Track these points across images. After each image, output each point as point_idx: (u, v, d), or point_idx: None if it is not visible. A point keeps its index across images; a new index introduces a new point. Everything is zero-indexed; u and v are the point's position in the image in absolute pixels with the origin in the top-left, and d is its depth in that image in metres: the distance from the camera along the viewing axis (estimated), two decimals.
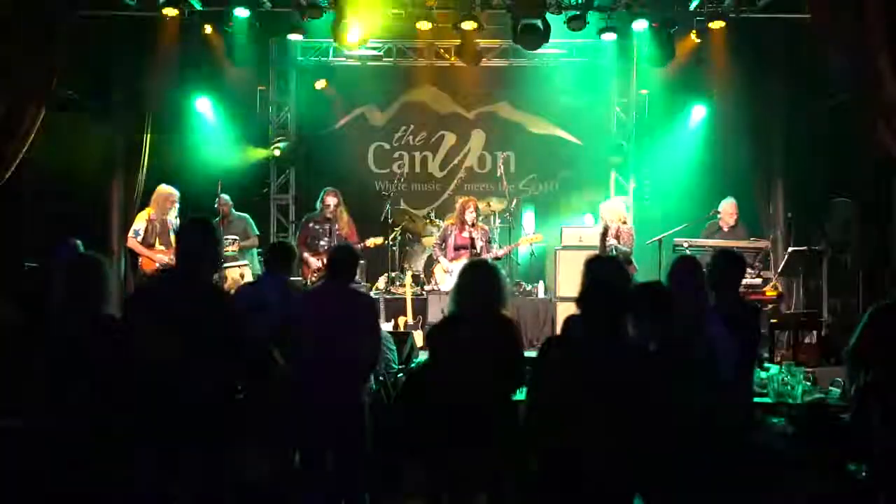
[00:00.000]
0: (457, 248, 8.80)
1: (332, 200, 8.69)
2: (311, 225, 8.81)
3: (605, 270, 4.29)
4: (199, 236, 4.15)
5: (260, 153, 10.63)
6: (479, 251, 8.59)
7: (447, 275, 8.75)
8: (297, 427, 4.70)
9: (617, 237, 8.42)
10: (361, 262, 8.69)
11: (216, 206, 8.82)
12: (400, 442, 4.92)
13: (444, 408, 4.23)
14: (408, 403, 4.79)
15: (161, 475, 3.94)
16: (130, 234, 8.41)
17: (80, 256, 4.68)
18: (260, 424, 5.12)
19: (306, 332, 4.66)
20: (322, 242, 8.73)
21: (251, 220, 9.25)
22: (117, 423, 3.99)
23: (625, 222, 8.59)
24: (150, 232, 8.31)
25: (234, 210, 9.08)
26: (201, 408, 3.91)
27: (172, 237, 8.17)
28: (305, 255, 8.66)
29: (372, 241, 8.85)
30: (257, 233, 9.29)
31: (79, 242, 5.29)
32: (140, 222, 8.37)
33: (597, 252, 8.11)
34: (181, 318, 3.91)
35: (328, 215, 8.67)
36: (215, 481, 3.98)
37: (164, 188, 8.45)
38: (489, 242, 8.85)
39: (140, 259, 8.33)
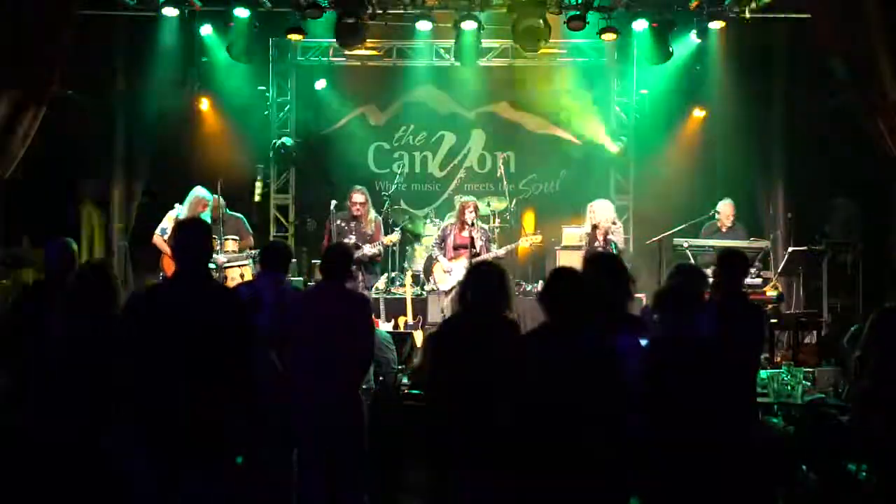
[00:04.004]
0: (456, 248, 8.78)
1: (359, 198, 8.65)
2: (338, 222, 8.76)
3: (600, 268, 4.28)
4: (194, 232, 4.13)
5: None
6: (478, 251, 8.57)
7: (447, 275, 8.74)
8: (295, 427, 4.70)
9: (605, 237, 8.32)
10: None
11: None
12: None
13: (446, 406, 4.22)
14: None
15: (161, 484, 3.91)
16: (157, 231, 8.37)
17: (90, 264, 4.64)
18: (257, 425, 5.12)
19: (301, 331, 4.66)
20: (348, 240, 8.68)
21: (246, 221, 9.21)
22: (118, 424, 3.99)
23: (615, 223, 8.53)
24: None
25: (228, 210, 9.03)
26: (206, 412, 3.89)
27: None
28: None
29: (388, 239, 8.84)
30: (251, 233, 9.24)
31: (71, 241, 5.22)
32: (168, 221, 8.34)
33: (592, 251, 8.08)
34: (192, 320, 3.89)
35: (355, 213, 8.65)
36: (216, 490, 3.95)
37: (199, 191, 8.37)
38: (489, 242, 8.84)
39: (162, 258, 8.31)
